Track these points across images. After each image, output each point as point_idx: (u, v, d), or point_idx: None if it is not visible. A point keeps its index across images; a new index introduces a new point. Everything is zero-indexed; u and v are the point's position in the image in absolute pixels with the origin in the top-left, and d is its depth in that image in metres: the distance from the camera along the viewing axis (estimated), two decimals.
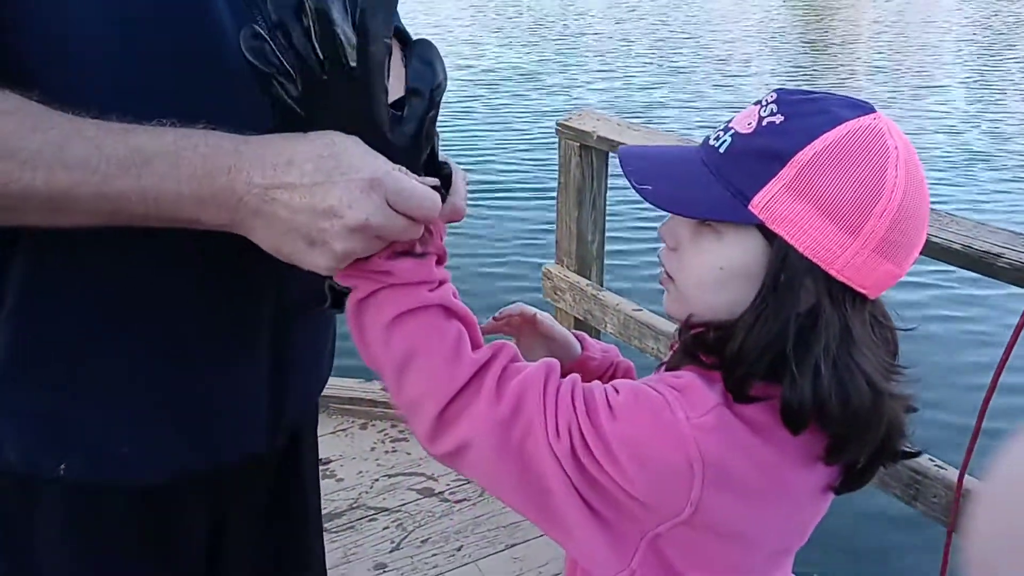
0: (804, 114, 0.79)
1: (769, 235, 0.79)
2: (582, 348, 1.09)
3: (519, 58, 12.88)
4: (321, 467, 2.75)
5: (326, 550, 2.47)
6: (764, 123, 0.80)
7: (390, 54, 0.76)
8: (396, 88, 0.79)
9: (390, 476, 2.70)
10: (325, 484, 2.68)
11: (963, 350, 4.63)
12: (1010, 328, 1.65)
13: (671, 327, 2.42)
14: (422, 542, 2.45)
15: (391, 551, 2.41)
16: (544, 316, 1.08)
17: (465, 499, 2.61)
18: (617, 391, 0.81)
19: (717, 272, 0.82)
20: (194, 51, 0.82)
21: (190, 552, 1.03)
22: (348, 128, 0.76)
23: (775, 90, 0.83)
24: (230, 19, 0.84)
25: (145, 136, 0.74)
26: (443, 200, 0.81)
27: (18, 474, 0.92)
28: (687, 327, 0.86)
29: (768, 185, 0.78)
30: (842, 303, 0.79)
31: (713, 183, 0.81)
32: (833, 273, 0.78)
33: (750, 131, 0.81)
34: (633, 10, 18.47)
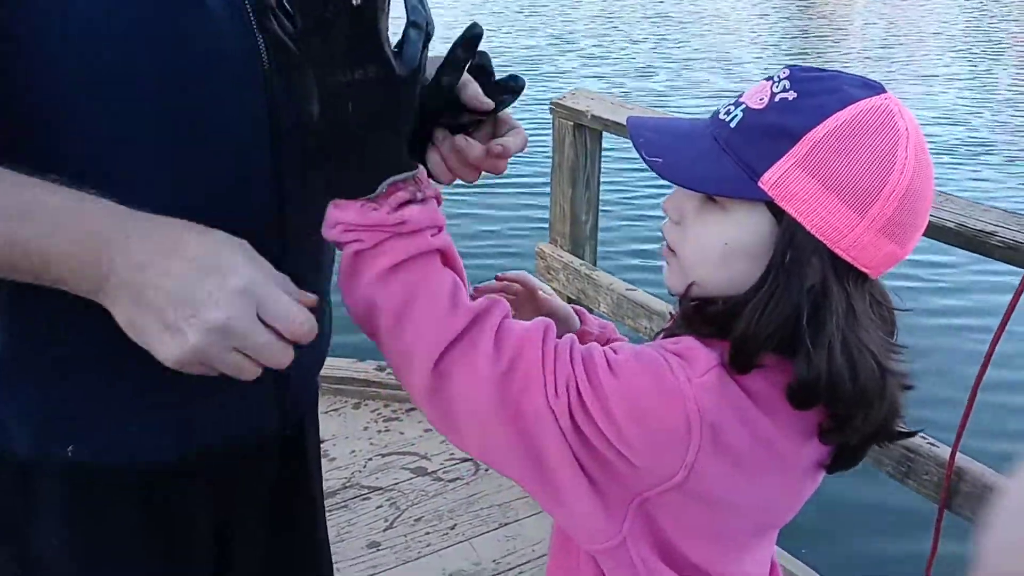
0: (816, 92, 0.79)
1: (777, 212, 0.79)
2: (581, 323, 1.09)
3: (515, 40, 12.81)
4: None
5: None
6: (776, 99, 0.79)
7: None
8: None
9: (383, 455, 2.70)
10: None
11: (956, 329, 4.65)
12: (1003, 307, 1.65)
13: (664, 307, 2.42)
14: (415, 520, 2.45)
15: (384, 529, 2.42)
16: (546, 290, 1.09)
17: (458, 478, 2.62)
18: (616, 352, 0.81)
19: (721, 248, 0.82)
20: (189, 36, 0.82)
21: (196, 539, 1.02)
22: (346, 64, 0.75)
23: (787, 66, 0.83)
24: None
25: (38, 190, 0.74)
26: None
27: (24, 458, 0.91)
28: (687, 298, 0.85)
29: (780, 162, 0.78)
30: (845, 282, 0.79)
31: (723, 158, 0.80)
32: (839, 252, 0.78)
33: (762, 106, 0.80)
34: None
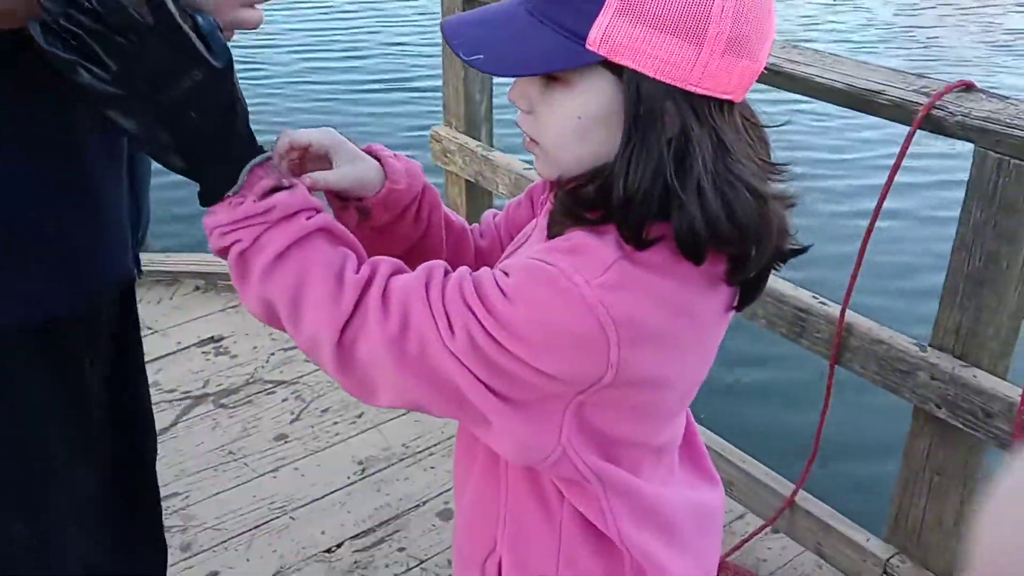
0: None
1: (616, 69, 0.75)
2: (385, 176, 0.94)
3: None
4: (213, 344, 2.71)
5: (224, 427, 2.45)
6: None
7: None
8: None
9: (286, 350, 2.66)
10: (219, 361, 2.63)
11: (846, 188, 4.79)
12: (891, 162, 1.68)
13: None
14: (322, 411, 2.44)
15: (291, 422, 2.40)
16: (317, 137, 0.91)
17: None
18: (507, 274, 0.78)
19: (576, 122, 0.78)
20: None
21: (86, 380, 1.09)
22: (173, 78, 0.77)
23: None
24: None
25: None
26: None
27: None
28: (560, 186, 0.82)
29: (600, 18, 0.73)
30: (709, 116, 0.76)
31: (544, 31, 0.76)
32: (690, 88, 0.75)
33: None
34: None
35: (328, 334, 0.79)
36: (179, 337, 2.73)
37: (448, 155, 2.78)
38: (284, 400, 2.48)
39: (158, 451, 1.29)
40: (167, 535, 1.39)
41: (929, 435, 1.76)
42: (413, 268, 0.84)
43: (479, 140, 2.75)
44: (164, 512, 1.39)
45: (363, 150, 0.95)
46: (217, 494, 2.16)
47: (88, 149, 0.97)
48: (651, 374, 0.81)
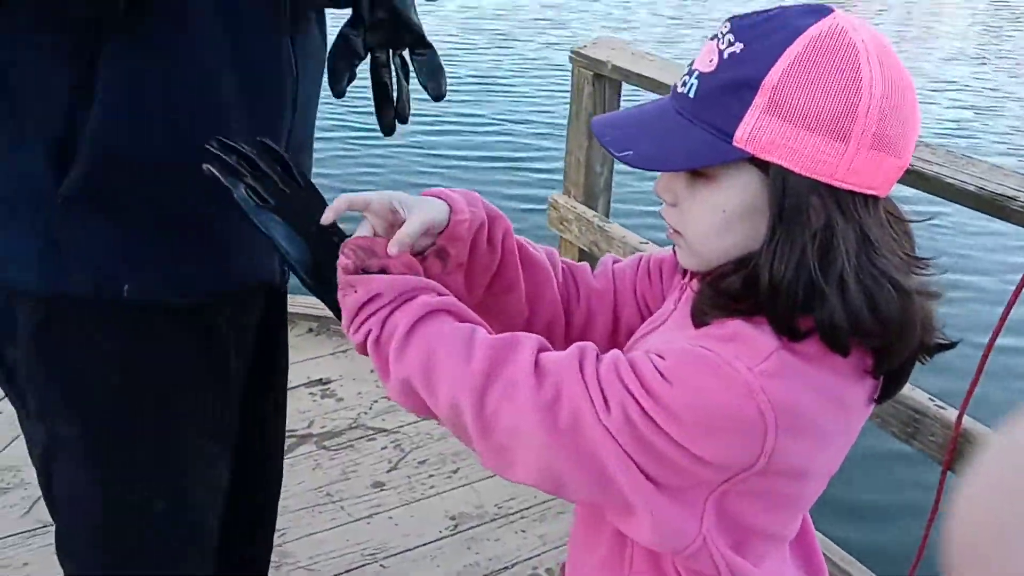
0: (762, 35, 0.77)
1: (762, 165, 0.78)
2: (450, 209, 0.95)
3: None
4: (321, 387, 2.78)
5: (325, 468, 2.50)
6: (725, 56, 0.78)
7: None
8: None
9: (389, 399, 2.70)
10: (325, 403, 2.71)
11: (970, 293, 4.62)
12: (1019, 271, 1.63)
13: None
14: (419, 463, 2.48)
15: (389, 470, 2.44)
16: (375, 196, 0.93)
17: None
18: (662, 357, 0.79)
19: (721, 216, 0.81)
20: None
21: (231, 366, 1.21)
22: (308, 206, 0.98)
23: (728, 19, 0.81)
24: None
25: None
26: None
27: (81, 296, 1.05)
28: (702, 276, 0.84)
29: (746, 116, 0.76)
30: (854, 210, 0.78)
31: (692, 130, 0.79)
32: (836, 184, 0.77)
33: (713, 68, 0.79)
34: None
35: (467, 400, 0.81)
36: (289, 376, 2.81)
37: (564, 223, 2.82)
38: (384, 448, 2.53)
39: None
40: None
41: None
42: (499, 308, 0.92)
43: (596, 210, 2.78)
44: None
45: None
46: (312, 534, 2.21)
47: None
48: (799, 464, 0.81)
